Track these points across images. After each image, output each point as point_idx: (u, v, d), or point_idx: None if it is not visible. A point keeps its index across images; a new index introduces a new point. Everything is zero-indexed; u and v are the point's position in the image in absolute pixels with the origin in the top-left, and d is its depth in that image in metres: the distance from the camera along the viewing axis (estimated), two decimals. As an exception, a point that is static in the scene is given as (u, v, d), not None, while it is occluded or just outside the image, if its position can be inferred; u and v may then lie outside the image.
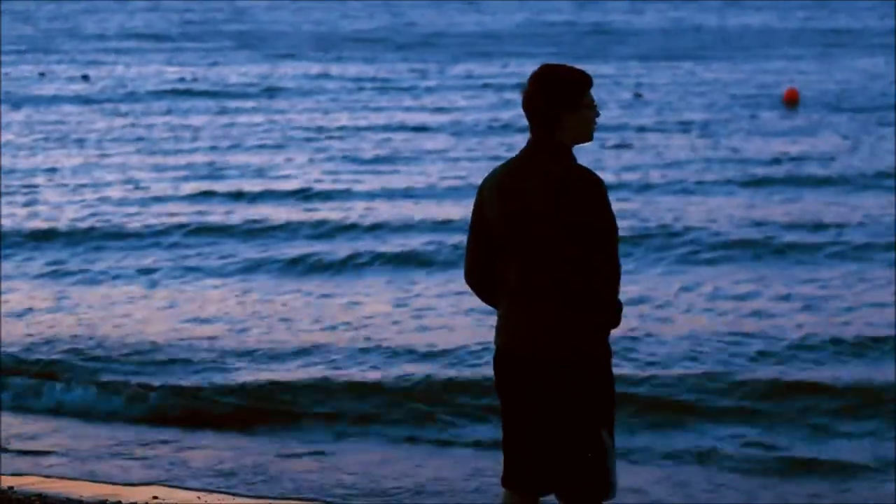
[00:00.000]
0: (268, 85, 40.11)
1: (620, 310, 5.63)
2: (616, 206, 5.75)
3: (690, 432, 10.20)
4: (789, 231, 17.41)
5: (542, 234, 5.52)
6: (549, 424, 5.61)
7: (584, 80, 5.66)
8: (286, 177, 23.23)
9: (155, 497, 8.67)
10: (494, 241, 5.68)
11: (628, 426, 9.89)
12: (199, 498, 8.86)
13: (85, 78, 42.74)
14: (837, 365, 11.58)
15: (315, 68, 45.72)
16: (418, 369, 11.70)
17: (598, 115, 5.69)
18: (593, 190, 5.49)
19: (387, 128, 30.45)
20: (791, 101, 35.29)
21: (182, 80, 41.97)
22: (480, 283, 5.79)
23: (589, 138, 5.71)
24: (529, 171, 5.59)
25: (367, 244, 17.24)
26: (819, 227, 17.78)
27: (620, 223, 5.85)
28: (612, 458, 5.63)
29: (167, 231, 18.18)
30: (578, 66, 5.77)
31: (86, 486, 9.04)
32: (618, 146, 26.62)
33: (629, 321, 12.29)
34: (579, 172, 5.54)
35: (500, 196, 5.64)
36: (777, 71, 43.58)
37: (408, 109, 34.20)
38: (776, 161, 24.23)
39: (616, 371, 5.86)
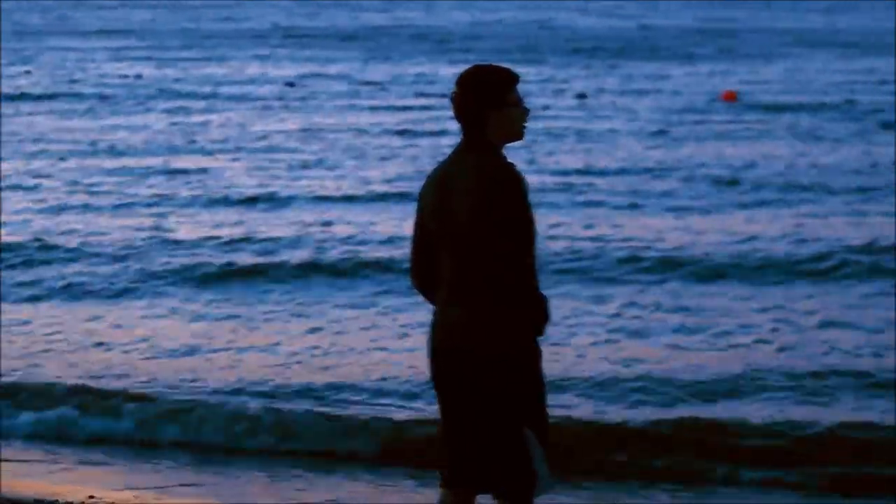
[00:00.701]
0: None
1: (546, 304, 5.71)
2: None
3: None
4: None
5: (474, 231, 5.63)
6: (483, 420, 5.69)
7: (510, 79, 5.76)
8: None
9: (91, 497, 8.74)
10: (432, 240, 5.80)
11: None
12: (135, 497, 8.98)
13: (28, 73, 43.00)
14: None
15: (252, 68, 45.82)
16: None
17: (527, 111, 5.78)
18: (517, 186, 5.60)
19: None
20: (730, 99, 35.87)
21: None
22: (423, 282, 5.88)
23: (519, 136, 5.79)
24: (460, 171, 5.70)
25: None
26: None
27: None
28: (538, 454, 5.70)
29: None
30: (506, 65, 5.90)
31: (25, 484, 9.14)
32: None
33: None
34: (507, 170, 5.64)
35: (434, 195, 5.76)
36: (723, 72, 43.86)
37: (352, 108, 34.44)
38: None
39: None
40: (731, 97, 36.22)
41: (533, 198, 5.71)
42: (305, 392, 11.30)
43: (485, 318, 5.65)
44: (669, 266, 15.66)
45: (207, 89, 39.54)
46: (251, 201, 20.92)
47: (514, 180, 5.62)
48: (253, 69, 45.89)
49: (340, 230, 18.29)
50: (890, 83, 39.60)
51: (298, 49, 55.13)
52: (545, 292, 5.72)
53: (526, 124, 5.80)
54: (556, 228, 17.84)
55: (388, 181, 22.68)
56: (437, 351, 5.79)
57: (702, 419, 10.26)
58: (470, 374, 5.69)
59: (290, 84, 41.61)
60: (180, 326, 13.68)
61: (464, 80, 5.75)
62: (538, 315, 5.67)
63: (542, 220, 17.25)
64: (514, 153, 5.83)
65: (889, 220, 18.44)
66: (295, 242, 17.49)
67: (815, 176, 22.59)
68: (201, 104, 35.87)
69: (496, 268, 5.61)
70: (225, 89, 39.64)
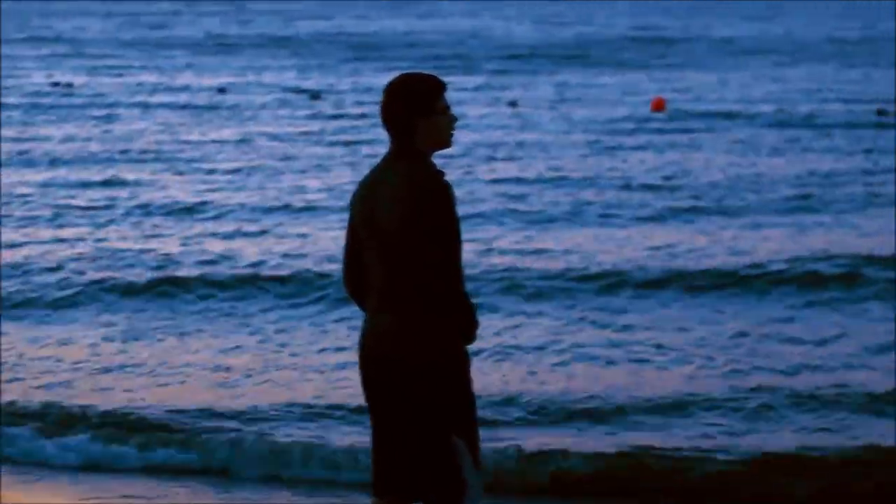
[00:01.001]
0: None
1: (474, 311, 5.74)
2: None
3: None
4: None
5: (403, 239, 5.66)
6: (412, 428, 5.71)
7: (437, 86, 5.79)
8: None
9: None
10: (363, 248, 5.82)
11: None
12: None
13: None
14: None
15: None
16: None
17: (454, 119, 5.82)
18: (444, 195, 5.64)
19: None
20: (658, 110, 36.08)
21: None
22: (355, 290, 5.91)
23: (447, 144, 5.83)
24: (390, 179, 5.72)
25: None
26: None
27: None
28: (467, 463, 5.71)
29: None
30: (435, 73, 5.92)
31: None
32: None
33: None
34: (436, 179, 5.67)
35: (364, 203, 5.79)
36: (656, 79, 44.11)
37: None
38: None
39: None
40: (660, 106, 36.46)
41: (468, 209, 5.72)
42: (239, 415, 11.07)
43: (414, 326, 5.67)
44: (605, 279, 15.54)
45: (139, 98, 39.31)
46: (187, 211, 20.80)
47: (442, 189, 5.65)
48: (185, 77, 45.64)
49: (276, 242, 18.19)
50: (821, 90, 40.03)
51: (231, 56, 54.95)
52: (477, 303, 5.81)
53: (453, 132, 5.83)
54: (493, 241, 17.45)
55: (324, 191, 22.61)
56: (366, 359, 5.81)
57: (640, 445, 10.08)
58: (399, 382, 5.71)
59: (222, 90, 41.52)
60: (113, 341, 13.50)
61: (392, 89, 5.78)
62: (467, 323, 5.70)
63: (480, 234, 17.66)
64: (450, 163, 5.83)
65: (823, 229, 18.48)
66: (231, 254, 17.36)
67: (747, 186, 22.57)
68: (134, 112, 35.67)
69: (425, 276, 5.63)
70: (157, 98, 39.41)
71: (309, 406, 11.24)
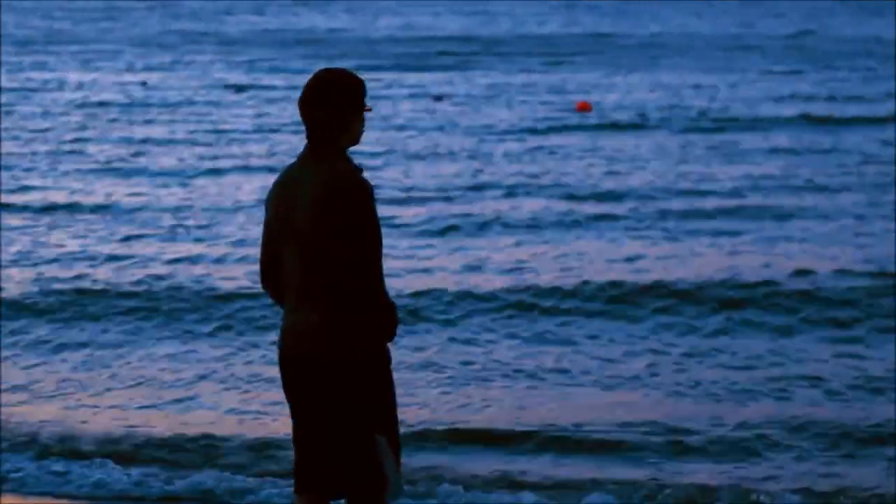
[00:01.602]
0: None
1: (394, 309, 5.74)
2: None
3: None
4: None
5: (318, 237, 5.59)
6: (331, 426, 5.66)
7: (363, 84, 5.82)
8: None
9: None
10: (279, 246, 5.77)
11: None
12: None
13: None
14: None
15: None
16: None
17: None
18: (362, 193, 5.59)
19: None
20: (584, 110, 36.06)
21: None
22: (274, 289, 5.87)
23: (358, 141, 5.83)
24: (306, 176, 5.66)
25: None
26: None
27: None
28: (388, 459, 5.69)
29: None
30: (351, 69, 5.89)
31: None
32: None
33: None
34: (353, 176, 5.62)
35: (280, 202, 5.73)
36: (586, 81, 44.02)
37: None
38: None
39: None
40: (586, 108, 36.45)
41: (387, 215, 5.48)
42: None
43: (331, 324, 5.62)
44: (529, 293, 14.88)
45: (68, 94, 38.79)
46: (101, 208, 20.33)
47: (359, 186, 5.59)
48: (113, 75, 45.14)
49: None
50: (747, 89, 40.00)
51: (157, 53, 54.52)
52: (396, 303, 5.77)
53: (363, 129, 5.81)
54: (414, 252, 16.91)
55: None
56: (285, 358, 5.77)
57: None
58: (317, 380, 5.66)
59: (144, 83, 41.17)
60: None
61: (324, 84, 5.68)
62: (386, 321, 5.67)
63: (398, 242, 17.21)
64: (368, 162, 5.58)
65: (750, 242, 17.96)
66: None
67: (677, 194, 22.02)
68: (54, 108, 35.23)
69: (340, 274, 5.58)
70: (80, 94, 38.94)
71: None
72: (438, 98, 37.44)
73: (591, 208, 20.63)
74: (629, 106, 36.33)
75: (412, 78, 43.87)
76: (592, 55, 54.01)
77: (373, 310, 5.61)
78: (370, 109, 5.80)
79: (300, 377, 5.72)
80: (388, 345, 5.79)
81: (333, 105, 5.67)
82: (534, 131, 30.73)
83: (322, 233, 5.59)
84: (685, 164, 25.63)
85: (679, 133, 30.53)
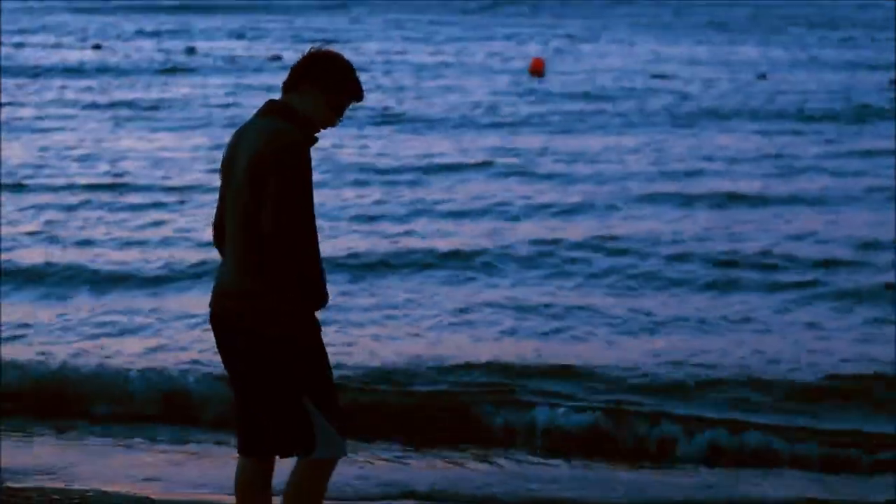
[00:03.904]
0: None
1: (315, 281, 5.53)
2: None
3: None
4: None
5: (248, 194, 5.49)
6: (254, 389, 5.60)
7: (357, 90, 5.68)
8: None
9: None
10: (223, 198, 5.69)
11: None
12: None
13: None
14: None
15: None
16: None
17: (333, 125, 5.71)
18: (291, 156, 5.43)
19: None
20: (536, 72, 36.05)
21: None
22: (217, 241, 5.77)
23: (319, 122, 5.64)
24: (252, 131, 5.57)
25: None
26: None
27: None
28: (319, 421, 5.60)
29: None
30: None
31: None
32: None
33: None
34: (288, 136, 5.46)
35: (228, 151, 5.64)
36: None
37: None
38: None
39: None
40: (538, 68, 36.33)
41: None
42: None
43: (250, 286, 5.51)
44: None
45: None
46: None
47: (289, 148, 5.44)
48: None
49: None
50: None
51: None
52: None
53: (322, 129, 5.68)
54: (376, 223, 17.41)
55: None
56: (211, 315, 5.68)
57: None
58: (239, 343, 5.58)
59: (98, 46, 41.50)
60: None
61: (332, 55, 5.66)
62: (309, 290, 5.52)
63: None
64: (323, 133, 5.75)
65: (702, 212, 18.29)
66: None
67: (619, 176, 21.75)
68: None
69: (265, 236, 5.44)
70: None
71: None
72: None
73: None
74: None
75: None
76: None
77: (292, 274, 5.44)
78: (338, 109, 5.66)
79: (224, 339, 5.62)
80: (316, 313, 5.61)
81: (321, 73, 5.59)
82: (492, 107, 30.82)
83: (252, 191, 5.45)
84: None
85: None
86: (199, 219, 17.69)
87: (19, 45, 43.05)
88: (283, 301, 5.47)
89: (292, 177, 5.39)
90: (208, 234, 13.31)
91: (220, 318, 5.60)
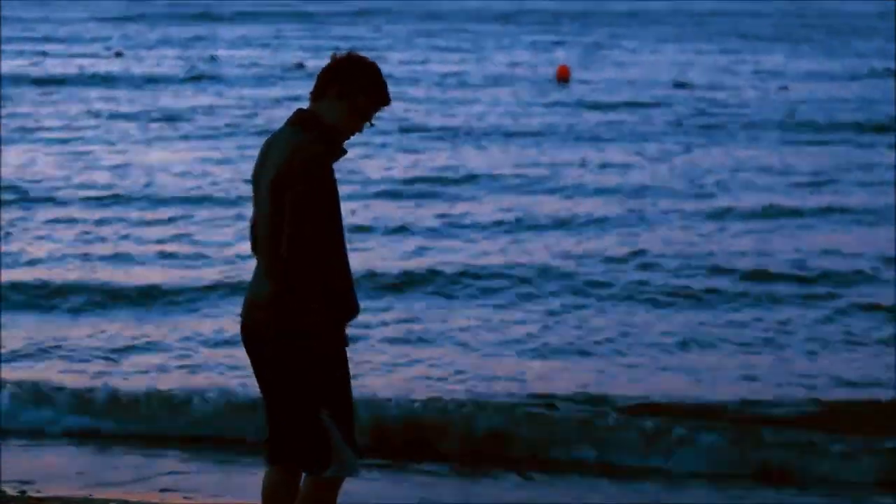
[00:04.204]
0: None
1: (340, 293, 5.51)
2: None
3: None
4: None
5: (273, 205, 5.48)
6: (279, 400, 5.63)
7: (383, 97, 5.67)
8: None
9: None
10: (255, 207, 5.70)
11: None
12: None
13: None
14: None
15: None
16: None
17: (360, 130, 5.68)
18: (314, 167, 5.42)
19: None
20: (562, 79, 36.08)
21: None
22: (253, 249, 5.77)
23: (345, 130, 5.62)
24: (280, 139, 5.58)
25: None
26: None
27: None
28: (336, 436, 5.59)
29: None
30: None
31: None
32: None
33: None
34: (311, 148, 5.46)
35: (258, 162, 5.65)
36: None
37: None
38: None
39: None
40: (565, 75, 36.40)
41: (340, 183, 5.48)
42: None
43: (277, 297, 5.51)
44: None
45: None
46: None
47: (312, 160, 5.44)
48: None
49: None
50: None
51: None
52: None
53: (349, 136, 5.66)
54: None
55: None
56: (242, 326, 5.71)
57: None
58: (266, 353, 5.60)
59: (119, 54, 41.34)
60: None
61: (360, 60, 5.63)
62: (335, 303, 5.51)
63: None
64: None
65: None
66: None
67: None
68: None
69: (288, 247, 5.42)
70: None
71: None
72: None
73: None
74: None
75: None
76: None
77: (315, 287, 5.42)
78: (366, 115, 5.64)
79: (253, 349, 5.65)
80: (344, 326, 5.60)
81: (350, 81, 5.56)
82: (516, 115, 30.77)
83: (277, 202, 5.45)
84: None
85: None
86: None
87: (42, 55, 43.06)
88: (305, 305, 5.45)
89: (307, 192, 5.38)
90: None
91: (250, 329, 5.62)
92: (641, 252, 16.33)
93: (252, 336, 5.63)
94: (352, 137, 5.68)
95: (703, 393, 11.18)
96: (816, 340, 12.84)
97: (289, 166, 5.41)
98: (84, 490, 8.82)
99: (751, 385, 11.41)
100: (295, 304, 5.46)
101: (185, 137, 26.73)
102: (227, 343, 12.42)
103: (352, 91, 5.56)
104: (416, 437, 10.16)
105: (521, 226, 18.12)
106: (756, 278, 15.05)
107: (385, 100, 5.66)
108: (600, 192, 20.69)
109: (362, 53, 5.72)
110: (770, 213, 18.87)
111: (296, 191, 5.38)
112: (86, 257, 16.19)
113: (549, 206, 19.59)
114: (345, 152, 5.64)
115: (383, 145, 25.08)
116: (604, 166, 23.13)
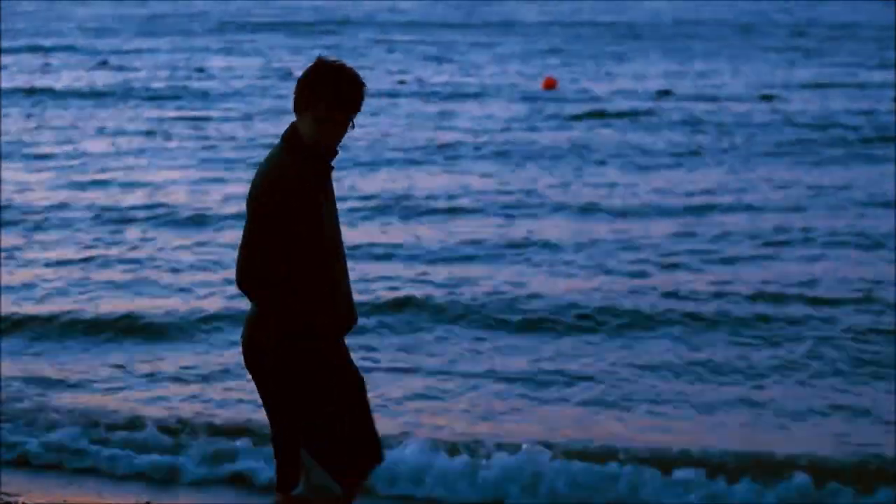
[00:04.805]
0: None
1: (332, 307, 5.54)
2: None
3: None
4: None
5: (253, 225, 5.49)
6: (276, 420, 5.62)
7: (361, 89, 5.58)
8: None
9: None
10: None
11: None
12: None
13: None
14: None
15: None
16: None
17: (342, 134, 5.59)
18: (283, 189, 5.42)
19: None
20: (550, 87, 36.10)
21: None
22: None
23: (326, 144, 5.54)
24: (266, 161, 5.58)
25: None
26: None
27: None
28: (306, 454, 5.54)
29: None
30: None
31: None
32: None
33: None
34: (284, 169, 5.46)
35: (252, 182, 5.62)
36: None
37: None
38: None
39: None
40: (551, 85, 36.38)
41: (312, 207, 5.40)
42: None
43: (260, 316, 5.54)
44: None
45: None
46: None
47: (280, 181, 5.42)
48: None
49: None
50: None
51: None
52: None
53: (333, 142, 5.57)
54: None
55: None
56: (241, 345, 5.69)
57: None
58: (255, 370, 5.61)
59: (104, 63, 41.65)
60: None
61: (331, 70, 5.50)
62: (321, 320, 5.50)
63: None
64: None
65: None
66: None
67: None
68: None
69: (238, 259, 5.50)
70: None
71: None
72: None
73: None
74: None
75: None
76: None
77: (265, 300, 5.46)
78: (341, 119, 5.54)
79: (251, 366, 5.64)
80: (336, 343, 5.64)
81: (308, 98, 5.50)
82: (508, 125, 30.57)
83: (255, 223, 5.46)
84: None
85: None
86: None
87: (47, 66, 42.89)
88: (287, 330, 5.45)
89: (265, 215, 5.38)
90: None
91: (246, 347, 5.60)
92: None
93: (247, 354, 5.59)
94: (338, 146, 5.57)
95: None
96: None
97: (261, 184, 5.44)
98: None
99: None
100: (270, 320, 5.47)
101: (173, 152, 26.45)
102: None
103: (311, 102, 5.46)
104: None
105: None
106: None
107: (344, 101, 5.47)
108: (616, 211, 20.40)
109: (334, 58, 5.58)
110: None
111: (250, 218, 5.44)
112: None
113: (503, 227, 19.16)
114: (328, 166, 5.55)
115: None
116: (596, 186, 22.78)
